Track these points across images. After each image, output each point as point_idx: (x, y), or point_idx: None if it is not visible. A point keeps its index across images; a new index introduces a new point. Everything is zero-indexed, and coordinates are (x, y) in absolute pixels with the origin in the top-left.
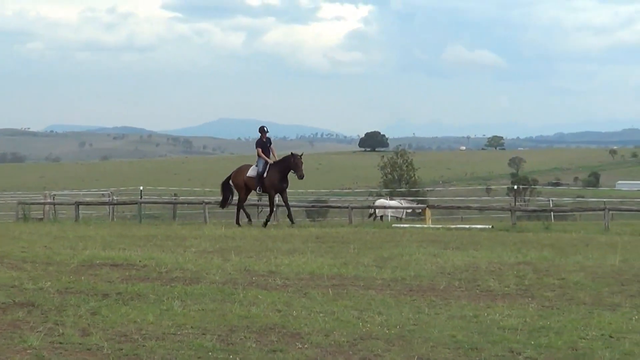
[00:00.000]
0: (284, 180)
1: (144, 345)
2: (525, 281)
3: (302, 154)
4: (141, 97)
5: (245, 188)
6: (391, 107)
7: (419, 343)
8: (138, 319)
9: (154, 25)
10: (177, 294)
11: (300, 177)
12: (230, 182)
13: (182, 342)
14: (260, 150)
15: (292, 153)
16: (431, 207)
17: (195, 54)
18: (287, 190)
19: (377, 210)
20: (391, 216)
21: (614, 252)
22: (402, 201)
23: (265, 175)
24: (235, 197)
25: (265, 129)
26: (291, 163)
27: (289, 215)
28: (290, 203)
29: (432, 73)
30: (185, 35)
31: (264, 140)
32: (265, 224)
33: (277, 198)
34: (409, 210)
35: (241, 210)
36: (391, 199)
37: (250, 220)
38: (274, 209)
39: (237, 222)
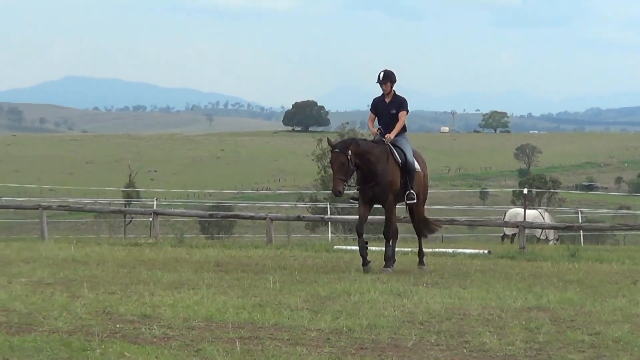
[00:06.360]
0: (369, 179)
1: None
2: (540, 336)
3: (332, 145)
4: None
5: None
6: (334, 65)
7: None
8: None
9: None
10: None
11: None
12: None
13: None
14: (371, 116)
15: (333, 142)
16: None
17: None
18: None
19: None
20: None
21: None
22: (544, 213)
23: None
24: None
25: (381, 75)
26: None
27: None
28: (177, 210)
29: (397, 12)
30: None
31: (384, 99)
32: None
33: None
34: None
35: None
36: (529, 208)
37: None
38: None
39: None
